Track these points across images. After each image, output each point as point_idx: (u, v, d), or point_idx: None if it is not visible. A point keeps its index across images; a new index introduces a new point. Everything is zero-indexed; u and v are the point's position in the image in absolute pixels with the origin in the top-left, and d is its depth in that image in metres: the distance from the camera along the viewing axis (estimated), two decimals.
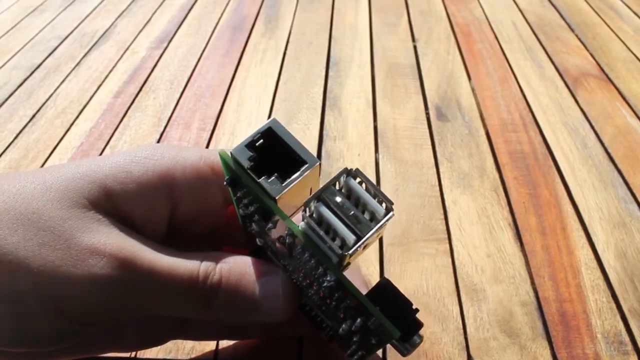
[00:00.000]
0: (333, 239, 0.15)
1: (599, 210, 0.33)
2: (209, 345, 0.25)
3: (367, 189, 0.15)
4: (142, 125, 0.41)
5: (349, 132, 0.40)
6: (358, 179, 0.16)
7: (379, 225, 0.15)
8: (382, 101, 0.44)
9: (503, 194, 0.34)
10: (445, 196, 0.33)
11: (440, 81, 0.46)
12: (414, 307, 0.17)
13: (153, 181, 0.18)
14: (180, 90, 0.45)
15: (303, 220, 0.16)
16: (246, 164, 0.16)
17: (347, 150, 0.38)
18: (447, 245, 0.30)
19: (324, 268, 0.16)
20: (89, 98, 0.45)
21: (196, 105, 0.43)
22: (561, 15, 0.59)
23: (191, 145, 0.38)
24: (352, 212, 0.15)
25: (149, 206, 0.18)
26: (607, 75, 0.47)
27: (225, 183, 0.18)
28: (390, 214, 0.15)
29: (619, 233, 0.31)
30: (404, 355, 0.18)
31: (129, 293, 0.17)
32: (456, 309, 0.27)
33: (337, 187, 0.16)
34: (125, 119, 0.42)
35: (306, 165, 0.16)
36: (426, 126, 0.41)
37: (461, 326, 0.26)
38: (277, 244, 0.18)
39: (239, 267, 0.19)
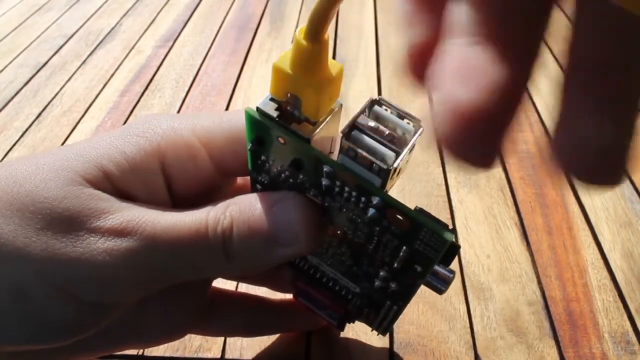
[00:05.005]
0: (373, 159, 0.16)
1: (605, 210, 0.33)
2: (217, 343, 0.25)
3: (393, 113, 0.16)
4: None
5: None
6: (384, 106, 0.16)
7: (412, 140, 0.16)
8: (388, 100, 0.44)
9: (509, 193, 0.34)
10: (452, 195, 0.33)
11: None
12: (450, 227, 0.17)
13: (145, 160, 0.18)
14: (186, 89, 0.45)
15: (340, 153, 0.16)
16: (274, 113, 0.16)
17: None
18: None
19: (367, 196, 0.16)
20: (95, 96, 0.45)
21: (202, 104, 0.43)
22: (567, 16, 0.58)
23: None
24: (387, 133, 0.16)
25: (145, 184, 0.18)
26: None
27: (248, 148, 0.17)
28: (420, 129, 0.16)
29: (626, 233, 0.31)
30: (440, 292, 0.18)
31: (139, 259, 0.16)
32: (463, 307, 0.27)
33: (366, 115, 0.16)
34: (132, 117, 0.42)
35: (332, 107, 0.17)
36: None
37: (468, 325, 0.26)
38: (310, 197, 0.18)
39: (248, 203, 0.17)
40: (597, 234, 0.31)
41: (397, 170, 0.16)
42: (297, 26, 0.56)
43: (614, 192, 0.34)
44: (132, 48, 0.52)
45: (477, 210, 0.32)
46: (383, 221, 0.17)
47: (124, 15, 0.59)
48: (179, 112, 0.42)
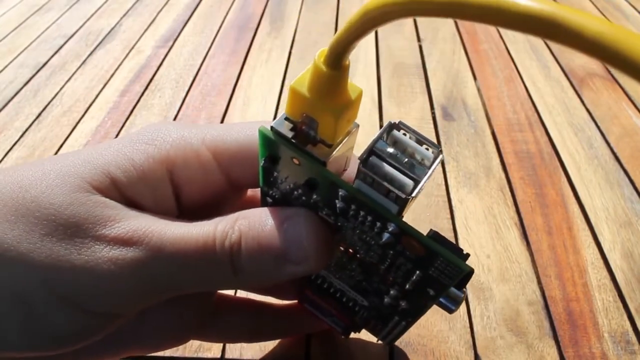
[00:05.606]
0: (391, 187, 0.15)
1: (605, 210, 0.33)
2: (217, 343, 0.25)
3: (412, 138, 0.16)
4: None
5: None
6: (402, 131, 0.16)
7: (432, 168, 0.15)
8: (388, 100, 0.44)
9: (509, 193, 0.34)
10: (452, 195, 0.33)
11: (446, 81, 0.46)
12: (464, 252, 0.17)
13: (154, 169, 0.17)
14: (186, 89, 0.45)
15: (356, 179, 0.16)
16: (289, 134, 0.16)
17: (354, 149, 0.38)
18: None
19: (383, 222, 0.16)
20: (95, 96, 0.45)
21: (202, 104, 0.43)
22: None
23: None
24: (406, 160, 0.15)
25: (153, 193, 0.18)
26: (612, 76, 0.47)
27: (261, 165, 0.17)
28: (440, 157, 0.15)
29: (626, 233, 0.31)
30: (451, 312, 0.18)
31: (144, 270, 0.16)
32: (463, 307, 0.27)
33: (385, 140, 0.16)
34: (132, 117, 0.42)
35: (348, 128, 0.16)
36: (432, 126, 0.41)
37: (468, 325, 0.26)
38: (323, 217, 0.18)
39: (258, 218, 0.17)
40: (597, 234, 0.31)
41: (415, 196, 0.16)
42: (296, 26, 0.56)
43: (614, 192, 0.34)
44: (132, 48, 0.52)
45: (477, 210, 0.32)
46: (397, 246, 0.17)
47: (124, 15, 0.59)
48: (178, 112, 0.42)
